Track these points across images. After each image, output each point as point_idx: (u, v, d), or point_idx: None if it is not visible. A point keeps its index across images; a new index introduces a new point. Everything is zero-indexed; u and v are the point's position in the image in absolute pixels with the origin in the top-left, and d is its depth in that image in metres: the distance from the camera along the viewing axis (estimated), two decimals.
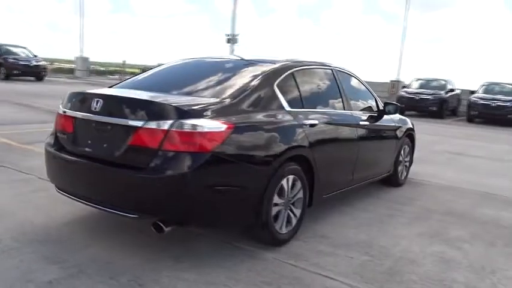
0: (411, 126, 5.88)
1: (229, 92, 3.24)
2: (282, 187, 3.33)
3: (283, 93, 3.53)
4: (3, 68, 19.13)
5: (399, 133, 5.39)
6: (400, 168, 5.56)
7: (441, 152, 8.91)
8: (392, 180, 5.53)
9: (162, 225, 2.81)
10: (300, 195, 3.57)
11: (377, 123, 4.80)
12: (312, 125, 3.65)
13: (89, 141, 3.14)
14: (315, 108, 3.89)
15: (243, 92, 3.25)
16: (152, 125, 2.80)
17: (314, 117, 3.71)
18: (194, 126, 2.78)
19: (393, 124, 5.25)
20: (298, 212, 3.58)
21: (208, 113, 2.91)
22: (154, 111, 2.85)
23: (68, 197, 3.25)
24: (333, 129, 4.00)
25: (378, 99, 5.09)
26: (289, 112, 3.48)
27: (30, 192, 4.29)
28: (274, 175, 3.21)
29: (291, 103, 3.56)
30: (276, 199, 3.29)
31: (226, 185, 2.94)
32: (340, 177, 4.22)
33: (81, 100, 3.23)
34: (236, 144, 2.96)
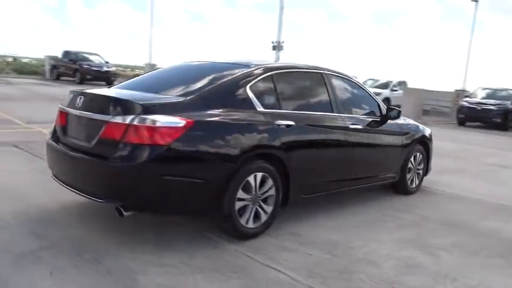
0: (426, 133, 5.76)
1: (197, 91, 3.50)
2: (248, 183, 3.51)
3: (258, 94, 3.72)
4: (78, 73, 20.95)
5: (407, 139, 5.31)
6: (409, 175, 5.46)
7: (486, 165, 8.46)
8: (400, 188, 5.46)
9: (121, 210, 3.12)
10: (272, 192, 3.72)
11: (372, 128, 4.80)
12: (288, 126, 3.80)
13: (74, 133, 3.56)
14: (295, 110, 4.02)
15: (211, 92, 3.51)
16: (117, 119, 3.14)
17: (291, 119, 3.85)
18: (152, 121, 3.08)
19: (398, 130, 5.19)
20: (269, 208, 3.73)
21: (169, 109, 3.20)
22: (120, 107, 3.19)
23: (59, 183, 3.68)
24: (314, 131, 4.10)
25: (381, 104, 5.08)
26: (261, 112, 3.67)
27: (47, 181, 4.84)
28: (238, 171, 3.41)
29: (265, 104, 3.74)
30: (241, 194, 3.47)
31: (183, 176, 3.19)
32: (324, 179, 4.29)
33: (72, 97, 3.66)
34: (194, 139, 3.21)
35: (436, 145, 6.17)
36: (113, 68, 22.46)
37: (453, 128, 15.71)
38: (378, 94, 19.89)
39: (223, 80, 3.67)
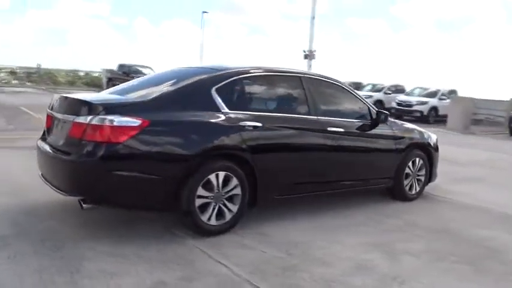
0: (428, 139, 5.59)
1: (160, 93, 3.69)
2: (209, 181, 3.63)
3: (224, 96, 3.84)
4: None
5: (401, 144, 5.18)
6: (407, 181, 5.31)
7: None
8: (397, 193, 5.32)
9: (81, 203, 3.36)
10: (237, 192, 3.81)
11: (357, 131, 4.75)
12: (255, 127, 3.88)
13: (54, 134, 3.87)
14: (264, 112, 4.09)
15: (173, 94, 3.70)
16: (80, 119, 3.39)
17: (259, 120, 3.93)
18: (109, 120, 3.30)
19: (390, 134, 5.08)
20: (234, 207, 3.82)
21: (127, 110, 3.42)
22: (84, 108, 3.45)
23: (44, 182, 3.96)
24: (286, 133, 4.15)
25: (372, 108, 5.00)
26: (225, 114, 3.78)
27: None
28: (197, 169, 3.55)
29: (231, 106, 3.85)
30: (201, 191, 3.60)
31: (139, 172, 3.38)
32: (299, 181, 4.31)
33: (54, 101, 3.99)
34: (150, 138, 3.39)
35: (467, 154, 5.95)
36: None
37: (502, 138, 14.80)
38: (423, 103, 19.27)
39: (188, 83, 3.84)
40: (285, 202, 4.53)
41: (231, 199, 3.80)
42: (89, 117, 3.33)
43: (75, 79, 33.33)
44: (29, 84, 28.49)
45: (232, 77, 3.98)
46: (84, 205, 3.36)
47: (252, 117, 3.92)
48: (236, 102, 3.94)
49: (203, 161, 3.59)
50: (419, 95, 20.53)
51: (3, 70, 32.69)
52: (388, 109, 21.08)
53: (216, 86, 3.84)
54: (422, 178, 5.53)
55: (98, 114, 3.33)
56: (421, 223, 4.55)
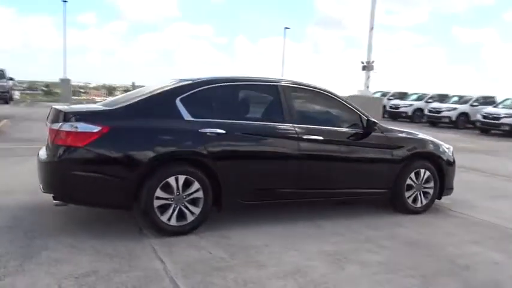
0: (437, 150, 5.29)
1: (127, 103, 4.05)
2: (168, 184, 3.88)
3: (188, 106, 4.09)
4: None
5: (400, 153, 4.97)
6: (409, 193, 5.06)
7: None
8: (397, 205, 5.10)
9: (53, 199, 3.82)
10: (199, 195, 4.01)
11: (341, 139, 4.68)
12: (219, 134, 4.07)
13: (47, 141, 4.42)
14: (231, 119, 4.23)
15: (138, 103, 4.04)
16: (54, 125, 3.87)
17: (223, 127, 4.10)
18: (72, 126, 3.73)
19: (384, 142, 4.90)
20: (196, 210, 4.02)
21: (92, 117, 3.82)
22: (59, 116, 3.91)
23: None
24: (254, 140, 4.26)
25: (363, 117, 4.88)
26: (187, 121, 4.03)
27: None
28: (155, 172, 3.83)
29: (195, 114, 4.08)
30: (160, 193, 3.86)
31: (99, 173, 3.75)
32: (270, 187, 4.37)
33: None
34: (109, 143, 3.76)
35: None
36: None
37: None
38: None
39: (156, 93, 4.17)
40: (263, 208, 4.64)
41: (193, 202, 4.01)
42: (59, 124, 3.80)
43: None
44: None
45: (197, 87, 4.22)
46: (54, 201, 3.82)
47: (216, 124, 4.10)
48: (200, 111, 4.15)
49: (160, 165, 3.87)
50: (510, 107, 18.77)
51: (119, 89, 36.94)
52: (473, 122, 19.65)
53: (181, 96, 4.11)
54: (431, 191, 5.22)
55: (67, 121, 3.79)
56: (403, 236, 4.35)
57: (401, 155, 4.99)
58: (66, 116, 3.84)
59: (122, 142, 3.83)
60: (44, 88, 39.70)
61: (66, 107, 4.36)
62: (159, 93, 4.18)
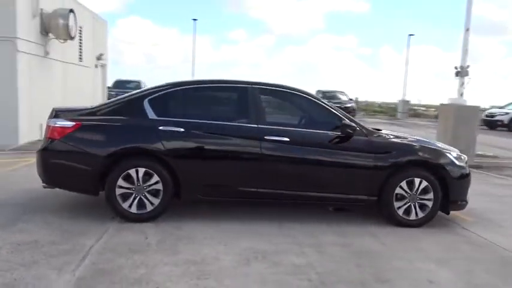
0: (439, 159, 4.79)
1: (104, 104, 4.63)
2: (129, 175, 4.34)
3: (154, 106, 4.50)
4: None
5: (385, 159, 4.62)
6: (400, 203, 4.66)
7: None
8: (386, 216, 4.76)
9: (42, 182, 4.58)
10: (158, 187, 4.38)
11: (306, 141, 4.58)
12: (177, 132, 4.40)
13: None
14: (193, 119, 4.49)
15: (111, 103, 4.60)
16: (47, 121, 4.65)
17: (181, 126, 4.41)
18: (54, 122, 4.45)
19: (364, 147, 4.61)
20: (156, 200, 4.39)
21: (70, 115, 4.49)
22: (52, 114, 4.66)
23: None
24: (212, 139, 4.47)
25: (341, 120, 4.66)
26: (150, 120, 4.44)
27: None
28: (117, 164, 4.32)
29: (159, 113, 4.48)
30: (122, 182, 4.33)
31: (71, 162, 4.38)
32: (229, 184, 4.52)
33: None
34: (79, 137, 4.37)
35: None
36: (352, 105, 23.86)
37: None
38: None
39: (131, 95, 4.69)
40: (237, 207, 4.81)
41: (153, 193, 4.39)
42: (49, 120, 4.56)
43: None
44: None
45: (164, 90, 4.63)
46: (42, 184, 4.58)
47: (175, 123, 4.43)
48: (164, 111, 4.53)
49: (122, 158, 4.35)
50: None
51: None
52: None
53: (149, 98, 4.55)
54: (429, 203, 4.72)
55: (52, 118, 4.53)
56: (359, 245, 4.11)
57: (386, 161, 4.64)
58: (53, 113, 4.58)
59: (91, 136, 4.41)
60: None
61: (59, 106, 5.16)
62: (133, 94, 4.69)
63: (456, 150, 5.10)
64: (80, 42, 13.72)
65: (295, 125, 4.75)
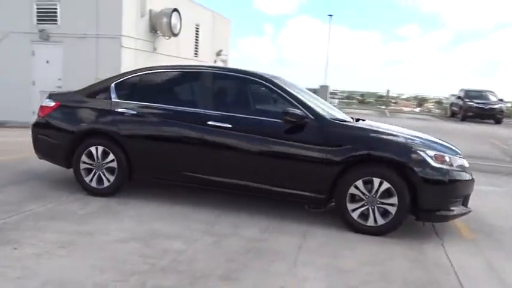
0: (400, 155, 4.04)
1: (87, 86, 5.11)
2: (90, 152, 4.75)
3: (118, 90, 4.81)
4: (461, 109, 20.71)
5: (337, 154, 4.07)
6: (353, 206, 4.07)
7: None
8: (340, 217, 4.20)
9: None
10: (114, 165, 4.69)
11: (251, 129, 4.32)
12: (130, 114, 4.64)
13: None
14: (147, 102, 4.66)
15: (92, 86, 5.09)
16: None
17: (134, 109, 4.65)
18: (43, 102, 5.12)
19: (313, 138, 4.13)
20: (111, 177, 4.71)
21: (56, 96, 5.10)
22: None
23: None
24: (158, 123, 4.61)
25: (301, 108, 4.25)
26: (111, 103, 4.76)
27: None
28: (82, 141, 4.77)
29: (121, 97, 4.78)
30: (85, 158, 4.77)
31: (49, 137, 4.98)
32: (175, 168, 4.56)
33: None
34: (56, 115, 4.95)
35: None
36: (500, 105, 20.32)
37: None
38: None
39: (103, 81, 5.08)
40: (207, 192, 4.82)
41: (110, 170, 4.72)
42: (43, 101, 5.27)
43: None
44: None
45: (129, 74, 4.89)
46: (37, 155, 5.30)
47: (128, 105, 4.68)
48: (125, 95, 4.80)
49: (85, 136, 4.78)
50: None
51: (430, 101, 37.24)
52: None
53: (115, 82, 4.88)
54: (392, 209, 4.01)
55: (46, 99, 5.21)
56: (268, 248, 3.67)
57: (338, 154, 4.08)
58: (48, 95, 5.27)
59: (65, 115, 4.95)
60: (358, 97, 42.62)
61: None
62: (107, 79, 5.07)
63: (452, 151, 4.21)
64: (196, 39, 14.94)
65: (246, 112, 4.52)
